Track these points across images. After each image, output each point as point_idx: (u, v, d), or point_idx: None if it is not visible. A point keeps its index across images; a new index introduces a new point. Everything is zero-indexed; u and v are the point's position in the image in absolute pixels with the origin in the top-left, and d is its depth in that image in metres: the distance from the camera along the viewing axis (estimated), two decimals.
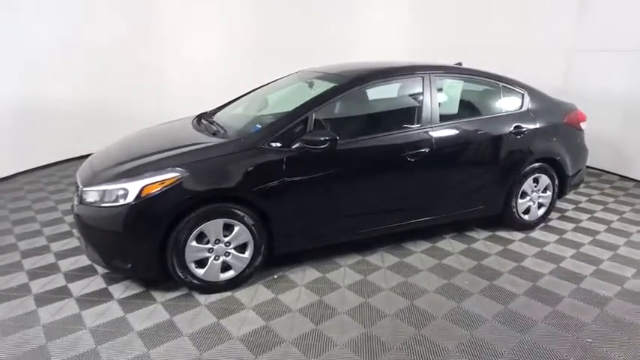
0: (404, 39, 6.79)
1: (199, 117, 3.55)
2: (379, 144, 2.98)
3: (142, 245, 2.49)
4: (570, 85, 5.77)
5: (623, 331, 2.35)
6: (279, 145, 2.70)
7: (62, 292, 2.68)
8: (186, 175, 2.49)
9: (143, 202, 2.43)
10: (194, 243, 2.55)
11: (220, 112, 3.65)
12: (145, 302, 2.59)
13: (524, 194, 3.59)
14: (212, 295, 2.66)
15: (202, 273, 2.61)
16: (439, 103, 3.21)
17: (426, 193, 3.19)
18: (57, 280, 2.82)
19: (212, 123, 3.25)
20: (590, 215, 4.08)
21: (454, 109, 3.36)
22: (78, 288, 2.73)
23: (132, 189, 2.43)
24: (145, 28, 6.00)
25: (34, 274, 2.89)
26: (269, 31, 6.51)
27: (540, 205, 3.72)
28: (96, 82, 5.65)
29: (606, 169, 5.58)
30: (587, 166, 5.71)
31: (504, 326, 2.39)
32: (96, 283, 2.80)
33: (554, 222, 3.90)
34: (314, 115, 2.79)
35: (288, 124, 2.75)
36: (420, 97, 3.16)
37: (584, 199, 4.56)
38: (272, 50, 6.45)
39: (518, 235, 3.60)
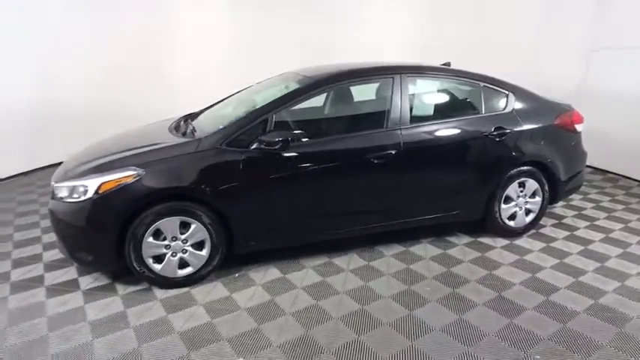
0: (414, 37, 6.62)
1: (185, 118, 3.65)
2: (342, 145, 2.95)
3: (101, 239, 2.61)
4: (590, 84, 5.42)
5: (578, 349, 2.19)
6: (237, 146, 2.74)
7: (36, 281, 2.87)
8: (144, 174, 2.59)
9: (101, 198, 2.55)
10: (151, 239, 2.64)
11: (206, 112, 3.73)
12: (107, 294, 2.71)
13: (508, 199, 3.42)
14: (170, 291, 2.75)
15: (159, 268, 2.71)
16: (411, 105, 3.13)
17: (394, 196, 3.11)
18: (36, 270, 3.02)
19: (188, 123, 3.34)
20: (589, 223, 3.82)
21: (428, 111, 3.25)
22: (51, 278, 2.92)
23: (91, 185, 2.56)
24: (157, 28, 6.23)
25: (18, 263, 3.12)
26: (279, 30, 6.57)
27: (528, 212, 3.52)
28: (108, 83, 5.92)
29: (625, 174, 5.18)
30: (605, 171, 5.40)
31: (451, 338, 2.29)
32: (70, 274, 2.96)
33: (547, 229, 3.69)
34: (274, 117, 2.81)
35: (247, 125, 2.78)
36: (389, 99, 3.08)
37: (590, 205, 4.27)
38: (283, 50, 6.50)
39: (501, 242, 3.44)
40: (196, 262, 2.78)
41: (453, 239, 3.49)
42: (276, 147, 2.71)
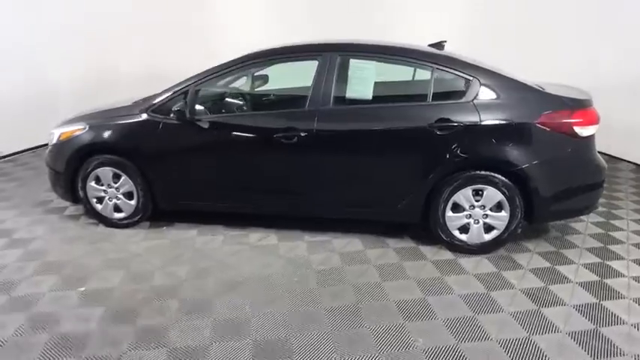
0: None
1: None
2: (250, 122, 2.96)
3: (61, 178, 3.29)
4: None
5: None
6: (159, 113, 3.04)
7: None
8: (87, 129, 3.15)
9: (60, 143, 3.22)
10: (93, 183, 3.22)
11: None
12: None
13: (458, 207, 2.85)
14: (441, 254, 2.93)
15: (100, 208, 3.28)
16: (337, 86, 2.87)
17: (302, 179, 2.97)
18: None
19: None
20: (584, 254, 2.86)
21: (358, 94, 2.89)
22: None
23: (56, 134, 3.26)
24: (203, 16, 6.72)
25: None
26: (321, 17, 6.53)
27: (490, 228, 2.86)
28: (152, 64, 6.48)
29: None
30: None
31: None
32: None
33: (523, 255, 2.93)
34: (194, 89, 2.98)
35: (170, 95, 3.04)
36: (314, 78, 2.89)
37: (597, 231, 3.14)
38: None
39: (443, 256, 2.92)
40: (128, 208, 3.26)
41: (390, 240, 3.12)
42: (171, 116, 2.95)
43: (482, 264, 2.82)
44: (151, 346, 2.07)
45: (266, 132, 2.88)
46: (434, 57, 2.83)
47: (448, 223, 2.89)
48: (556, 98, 2.73)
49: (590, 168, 2.80)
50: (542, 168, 2.70)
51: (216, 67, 3.03)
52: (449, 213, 2.86)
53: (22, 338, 2.13)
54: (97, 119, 3.19)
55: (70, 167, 3.20)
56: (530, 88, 2.77)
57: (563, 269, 2.75)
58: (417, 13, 6.40)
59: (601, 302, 2.42)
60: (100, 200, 3.28)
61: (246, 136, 2.96)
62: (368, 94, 2.88)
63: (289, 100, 3.10)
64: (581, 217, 3.41)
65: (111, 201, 3.26)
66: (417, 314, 2.31)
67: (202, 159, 3.06)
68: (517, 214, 2.79)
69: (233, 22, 6.72)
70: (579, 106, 2.70)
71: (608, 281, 2.62)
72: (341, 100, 2.89)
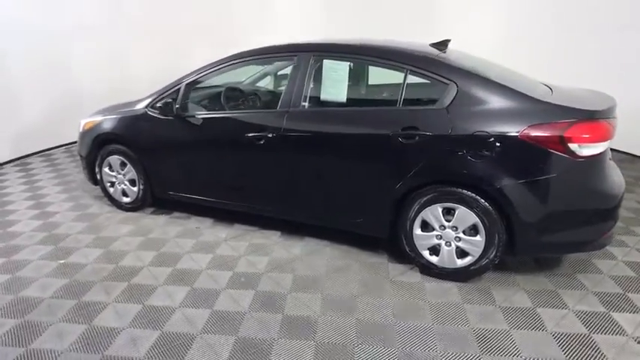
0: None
1: None
2: (227, 120, 3.01)
3: (84, 162, 3.74)
4: None
5: None
6: (155, 110, 3.27)
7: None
8: (103, 120, 3.54)
9: (83, 132, 3.67)
10: (107, 169, 3.61)
11: None
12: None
13: (427, 226, 2.55)
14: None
15: (112, 192, 3.66)
16: (310, 87, 2.76)
17: (272, 181, 2.92)
18: None
19: None
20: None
21: (330, 96, 2.72)
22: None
23: (82, 123, 3.72)
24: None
25: None
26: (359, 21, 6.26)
27: (464, 253, 2.51)
28: None
29: None
30: None
31: None
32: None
33: (498, 291, 2.50)
34: (183, 87, 3.14)
35: (163, 93, 3.25)
36: (288, 79, 2.83)
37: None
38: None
39: (411, 277, 2.64)
40: (132, 194, 3.58)
41: (360, 250, 2.92)
42: (156, 112, 3.14)
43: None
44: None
45: (239, 131, 2.91)
46: (409, 58, 2.56)
47: (416, 242, 2.60)
48: (551, 107, 2.27)
49: (592, 195, 2.27)
50: (525, 190, 2.27)
51: (204, 66, 3.15)
52: (417, 231, 2.58)
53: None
54: (110, 112, 3.56)
55: (91, 153, 3.63)
56: (520, 94, 2.34)
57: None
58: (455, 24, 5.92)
59: None
60: (112, 184, 3.66)
61: (222, 135, 3.03)
62: (341, 97, 2.73)
63: (267, 101, 3.09)
64: None
65: (120, 186, 3.62)
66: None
67: (185, 154, 3.21)
68: (495, 240, 2.40)
69: (254, 24, 6.78)
70: (581, 117, 2.20)
71: None
72: (313, 101, 2.78)
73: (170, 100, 3.11)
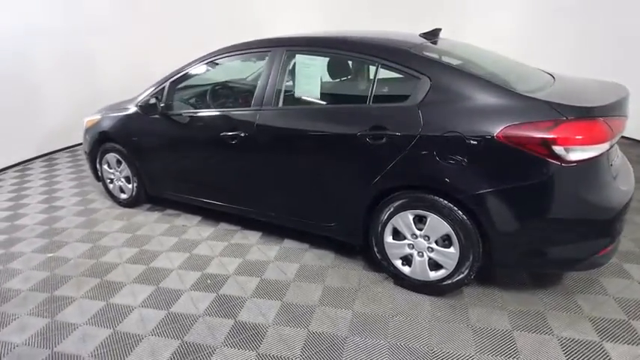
0: None
1: None
2: (207, 121, 2.96)
3: (89, 158, 3.88)
4: None
5: None
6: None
7: None
8: (101, 119, 3.65)
9: (87, 129, 3.80)
10: (106, 167, 3.72)
11: None
12: None
13: (399, 233, 2.36)
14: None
15: (111, 188, 3.77)
16: (282, 84, 2.65)
17: (247, 181, 2.84)
18: None
19: None
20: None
21: (302, 92, 2.58)
22: None
23: (85, 121, 3.86)
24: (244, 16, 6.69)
25: None
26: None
27: (438, 265, 2.29)
28: None
29: None
30: None
31: None
32: None
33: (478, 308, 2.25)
34: (167, 85, 3.15)
35: (150, 91, 3.27)
36: (261, 76, 2.72)
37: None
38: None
39: (384, 287, 2.46)
40: (128, 191, 3.67)
41: (338, 255, 2.77)
42: (145, 112, 3.16)
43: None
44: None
45: (215, 130, 2.85)
46: (380, 50, 2.35)
47: (388, 251, 2.41)
48: (535, 104, 1.98)
49: (581, 206, 1.95)
50: (502, 199, 2.01)
51: (185, 65, 3.13)
52: (388, 239, 2.39)
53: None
54: (108, 111, 3.66)
55: (92, 151, 3.76)
56: (501, 90, 2.06)
57: None
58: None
59: None
60: (112, 181, 3.77)
61: (201, 134, 2.99)
62: (314, 93, 2.59)
63: (244, 99, 3.00)
64: None
65: (117, 183, 3.72)
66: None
67: (170, 153, 3.23)
68: (469, 253, 2.16)
69: (269, 20, 6.64)
70: (571, 115, 1.90)
71: None
72: (286, 99, 2.66)
73: (154, 99, 3.11)
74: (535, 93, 2.07)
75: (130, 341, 2.10)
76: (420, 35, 2.71)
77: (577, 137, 1.88)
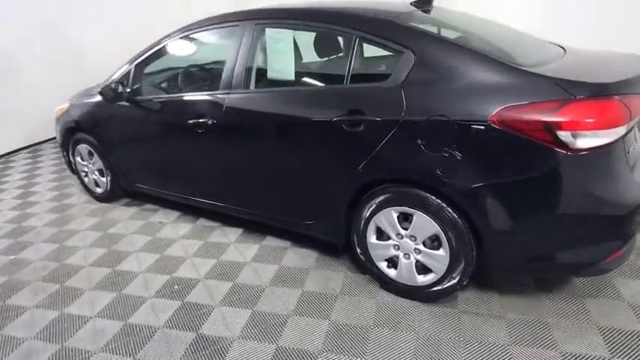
0: None
1: None
2: (174, 107, 2.69)
3: (62, 149, 3.64)
4: None
5: None
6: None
7: None
8: (69, 107, 3.39)
9: (57, 118, 3.56)
10: (79, 159, 3.49)
11: None
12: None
13: (382, 233, 2.08)
14: None
15: (87, 182, 3.54)
16: (253, 64, 2.35)
17: (217, 173, 2.58)
18: None
19: None
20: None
21: (275, 73, 2.27)
22: None
23: (56, 109, 3.60)
24: None
25: None
26: None
27: (426, 269, 2.01)
28: None
29: None
30: None
31: None
32: None
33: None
34: (133, 68, 2.87)
35: (116, 75, 2.99)
36: (229, 55, 2.42)
37: None
38: None
39: (363, 293, 2.19)
40: (102, 184, 3.43)
41: (322, 255, 2.51)
42: (108, 99, 2.88)
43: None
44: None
45: (182, 117, 2.57)
46: (358, 21, 2.03)
47: (371, 252, 2.14)
48: (537, 81, 1.65)
49: (590, 203, 1.64)
50: (498, 194, 1.71)
51: (150, 45, 2.84)
52: (372, 239, 2.11)
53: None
54: (78, 98, 3.40)
55: (65, 142, 3.52)
56: (498, 65, 1.74)
57: None
58: None
59: None
60: (87, 174, 3.54)
61: (169, 122, 2.72)
62: (287, 73, 2.28)
63: (209, 80, 2.72)
64: None
65: (91, 176, 3.48)
66: None
67: (140, 142, 2.97)
68: (461, 256, 1.87)
69: None
70: (580, 94, 1.57)
71: None
72: (257, 81, 2.36)
73: (116, 84, 2.84)
74: (538, 67, 1.75)
75: (80, 357, 1.88)
76: (411, 3, 2.36)
77: (587, 120, 1.56)
